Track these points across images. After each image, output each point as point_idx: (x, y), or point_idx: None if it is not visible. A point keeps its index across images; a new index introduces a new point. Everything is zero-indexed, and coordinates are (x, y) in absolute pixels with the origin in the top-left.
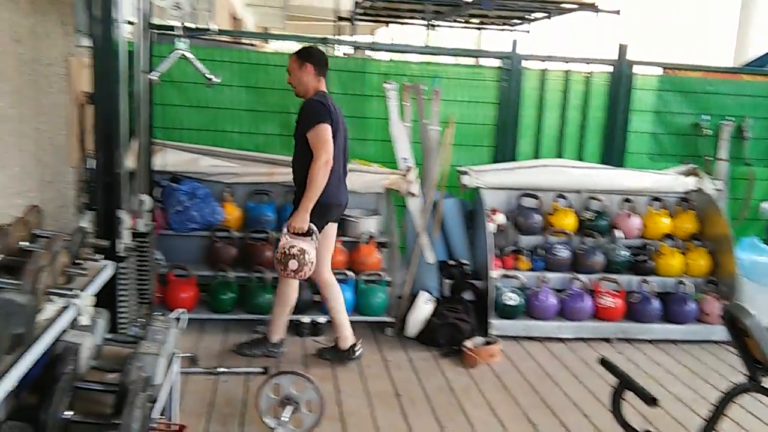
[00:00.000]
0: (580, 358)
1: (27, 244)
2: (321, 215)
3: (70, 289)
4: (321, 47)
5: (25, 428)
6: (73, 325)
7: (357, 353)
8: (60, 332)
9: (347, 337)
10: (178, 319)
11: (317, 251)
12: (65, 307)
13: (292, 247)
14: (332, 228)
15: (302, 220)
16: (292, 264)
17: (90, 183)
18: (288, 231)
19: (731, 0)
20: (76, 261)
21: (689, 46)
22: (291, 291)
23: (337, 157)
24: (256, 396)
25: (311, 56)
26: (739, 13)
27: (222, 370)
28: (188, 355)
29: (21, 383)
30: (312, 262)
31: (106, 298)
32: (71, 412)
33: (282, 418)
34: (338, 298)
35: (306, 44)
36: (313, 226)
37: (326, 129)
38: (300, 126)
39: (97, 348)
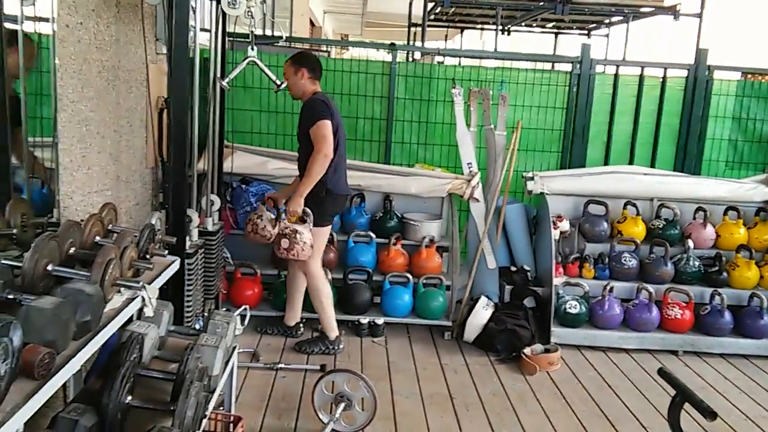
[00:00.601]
0: (644, 370)
1: (100, 238)
2: (334, 206)
3: (137, 282)
4: (386, 53)
5: (89, 410)
6: (140, 316)
7: (341, 345)
8: (125, 322)
9: (333, 328)
10: (243, 316)
11: (317, 243)
12: (131, 299)
13: (286, 227)
14: (329, 226)
15: (297, 204)
16: (284, 242)
17: (164, 183)
18: (285, 215)
19: None
20: (145, 256)
21: None
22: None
23: (341, 152)
24: (311, 392)
25: (305, 61)
26: None
27: (281, 365)
28: (250, 350)
29: (91, 369)
30: (305, 243)
31: (173, 292)
32: (131, 398)
33: (335, 415)
34: (322, 290)
35: (307, 53)
36: (308, 210)
37: (327, 125)
38: (302, 124)
39: (161, 339)
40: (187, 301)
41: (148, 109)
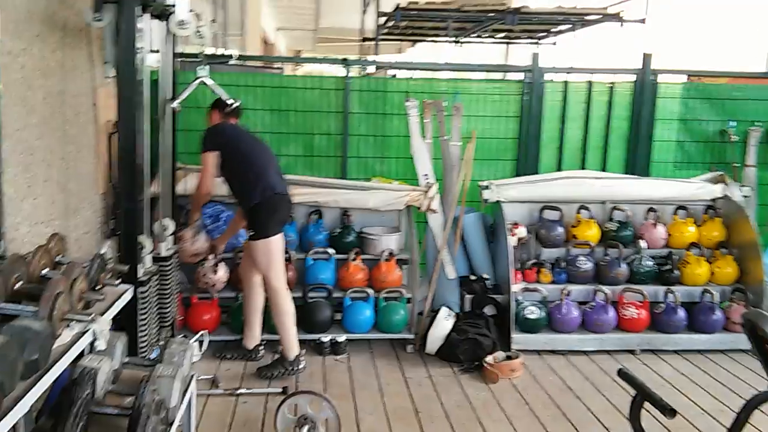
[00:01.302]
0: (603, 371)
1: (48, 271)
2: (272, 214)
3: (88, 315)
4: (341, 68)
5: None
6: (91, 349)
7: (302, 365)
8: (77, 357)
9: (293, 347)
10: (201, 342)
11: (266, 258)
12: (82, 333)
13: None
14: (281, 237)
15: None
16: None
17: (115, 209)
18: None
19: (761, 4)
20: (95, 287)
21: (718, 53)
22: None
23: (255, 161)
24: (274, 416)
25: (217, 105)
26: None
27: (242, 391)
28: (209, 377)
29: (43, 407)
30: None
31: (126, 322)
32: None
33: None
34: (283, 307)
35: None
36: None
37: (206, 156)
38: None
39: (115, 372)
40: (142, 331)
41: (96, 134)
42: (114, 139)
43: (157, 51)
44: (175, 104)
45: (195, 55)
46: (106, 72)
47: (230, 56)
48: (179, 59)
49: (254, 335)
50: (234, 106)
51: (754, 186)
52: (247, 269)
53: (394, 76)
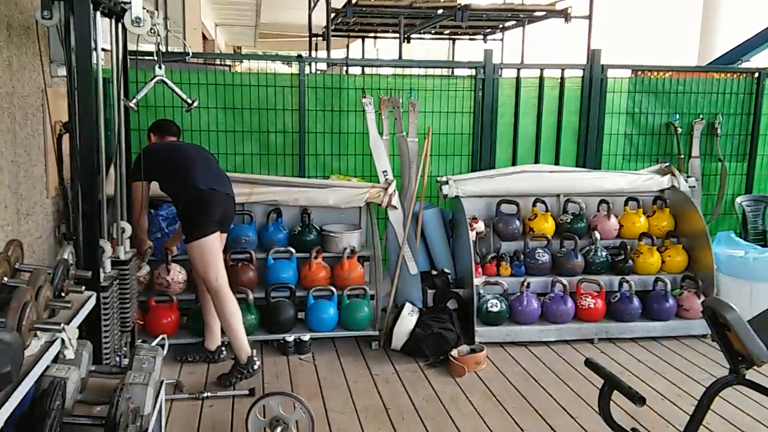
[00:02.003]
0: (564, 361)
1: (8, 279)
2: (203, 212)
3: (55, 324)
4: (295, 65)
5: None
6: (57, 359)
7: (256, 365)
8: (46, 367)
9: (242, 348)
10: (162, 346)
11: (201, 258)
12: (50, 342)
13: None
14: (218, 236)
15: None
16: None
17: (69, 213)
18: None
19: (693, 2)
20: (60, 294)
21: (655, 47)
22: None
23: (173, 163)
24: (245, 419)
25: (153, 127)
26: (701, 13)
27: (207, 394)
28: (172, 381)
29: (7, 421)
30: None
31: (89, 329)
32: None
33: None
34: (227, 307)
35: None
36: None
37: (133, 188)
38: None
39: (82, 381)
40: (105, 338)
41: (46, 136)
42: (64, 140)
43: (106, 50)
44: (131, 103)
45: (145, 53)
46: (53, 71)
47: (186, 54)
48: (131, 57)
49: (214, 337)
50: (167, 125)
51: (699, 176)
52: (206, 274)
53: (346, 72)
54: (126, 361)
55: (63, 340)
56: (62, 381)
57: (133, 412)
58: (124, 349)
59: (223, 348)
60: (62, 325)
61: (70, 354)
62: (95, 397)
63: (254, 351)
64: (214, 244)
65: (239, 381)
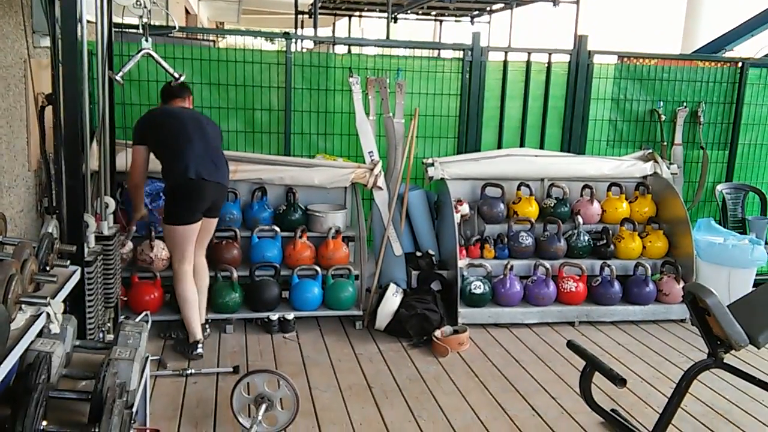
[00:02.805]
0: (546, 342)
1: None
2: (181, 201)
3: (41, 297)
4: (279, 43)
5: None
6: (42, 333)
7: (198, 351)
8: (31, 341)
9: (191, 332)
10: (146, 322)
11: (170, 241)
12: (36, 316)
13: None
14: (186, 225)
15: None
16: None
17: (51, 186)
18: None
19: None
20: (45, 268)
21: (640, 34)
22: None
23: (168, 139)
24: (229, 396)
25: (161, 92)
26: (686, 1)
27: (191, 371)
28: (155, 357)
29: None
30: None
31: (72, 304)
32: (45, 423)
33: (256, 417)
34: (182, 294)
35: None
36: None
37: (134, 151)
38: None
39: (67, 355)
40: (89, 313)
41: (28, 108)
42: (47, 112)
43: (90, 21)
44: (118, 77)
45: (130, 26)
46: (36, 42)
47: (172, 27)
48: (116, 30)
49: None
50: (174, 85)
51: (681, 164)
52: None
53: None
54: (109, 337)
55: (48, 314)
56: (47, 355)
57: (119, 387)
58: (108, 324)
59: (207, 325)
60: (48, 299)
61: (55, 328)
62: (80, 372)
63: (203, 338)
64: (186, 232)
65: (180, 354)
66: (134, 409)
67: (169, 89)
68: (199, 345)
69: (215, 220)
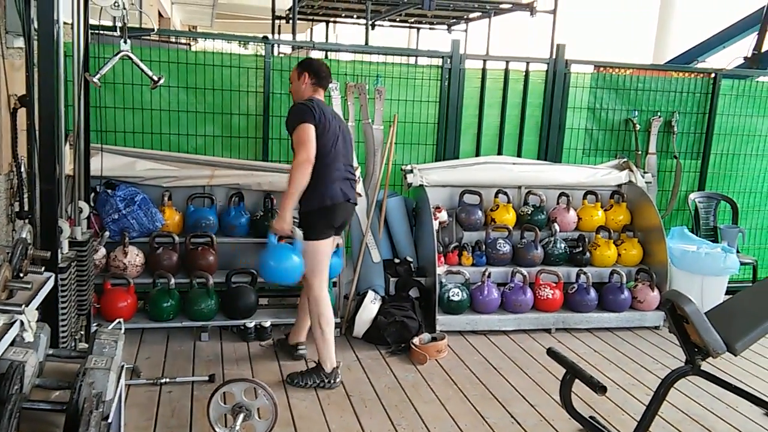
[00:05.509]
0: (523, 349)
1: None
2: (331, 218)
3: (15, 305)
4: (252, 48)
5: None
6: (14, 341)
7: (338, 379)
8: (4, 350)
9: (329, 358)
10: (120, 329)
11: (309, 263)
12: (10, 324)
13: None
14: (329, 240)
15: (282, 220)
16: None
17: (22, 190)
18: (272, 233)
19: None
20: (19, 274)
21: (614, 44)
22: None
23: (333, 157)
24: (206, 405)
25: (310, 67)
26: (658, 13)
27: (165, 380)
28: (129, 366)
29: None
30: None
31: (46, 312)
32: None
33: (234, 427)
34: (324, 314)
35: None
36: (296, 229)
37: (305, 128)
38: (288, 129)
39: (39, 365)
40: (62, 320)
41: (0, 110)
42: (20, 114)
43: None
44: (95, 79)
45: (106, 28)
46: (9, 42)
47: (150, 30)
48: (93, 32)
49: (301, 333)
50: (327, 71)
51: (655, 173)
52: (309, 280)
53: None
54: (82, 345)
55: (22, 323)
56: (21, 365)
57: (95, 397)
58: (81, 332)
59: (301, 346)
60: (22, 306)
61: (29, 337)
62: (54, 382)
63: (340, 363)
64: (326, 248)
65: (314, 385)
66: (110, 420)
67: (327, 71)
68: (339, 371)
69: (338, 238)
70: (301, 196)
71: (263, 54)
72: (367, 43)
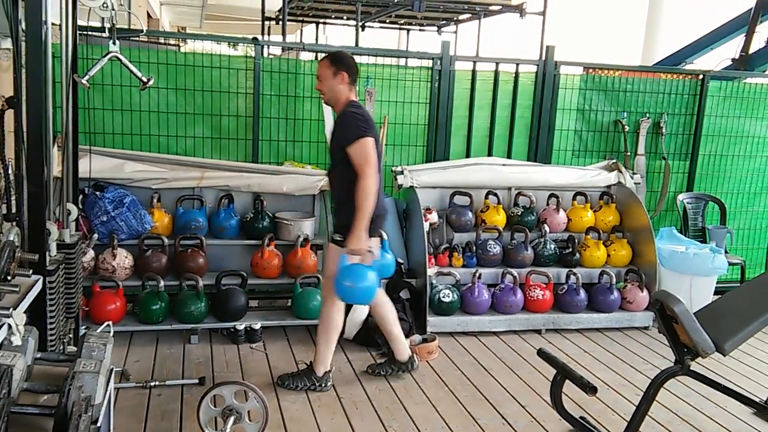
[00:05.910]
0: (513, 350)
1: None
2: (371, 228)
3: (3, 308)
4: (242, 49)
5: None
6: (2, 345)
7: (330, 382)
8: None
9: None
10: (109, 332)
11: (334, 266)
12: None
13: None
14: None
15: (359, 240)
16: None
17: (9, 192)
18: (349, 255)
19: (639, 2)
20: (6, 277)
21: (602, 45)
22: (387, 308)
23: (378, 168)
24: (196, 408)
25: (345, 64)
26: (646, 15)
27: (155, 383)
28: (118, 369)
29: None
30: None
31: (33, 315)
32: None
33: (224, 430)
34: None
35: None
36: (373, 246)
37: (369, 143)
38: (337, 139)
39: (27, 368)
40: (51, 324)
41: None
42: (7, 116)
43: (55, 24)
44: (84, 80)
45: (95, 28)
46: None
47: (140, 31)
48: (81, 33)
49: (403, 344)
50: (357, 67)
51: (644, 174)
52: None
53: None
54: (70, 348)
55: (10, 326)
56: (9, 369)
57: (84, 401)
58: (69, 335)
59: (415, 356)
60: (10, 309)
61: (17, 340)
62: (42, 386)
63: (333, 368)
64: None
65: (305, 388)
66: (99, 424)
67: (357, 68)
68: (330, 376)
69: None
70: (344, 207)
71: (253, 55)
72: (357, 45)
